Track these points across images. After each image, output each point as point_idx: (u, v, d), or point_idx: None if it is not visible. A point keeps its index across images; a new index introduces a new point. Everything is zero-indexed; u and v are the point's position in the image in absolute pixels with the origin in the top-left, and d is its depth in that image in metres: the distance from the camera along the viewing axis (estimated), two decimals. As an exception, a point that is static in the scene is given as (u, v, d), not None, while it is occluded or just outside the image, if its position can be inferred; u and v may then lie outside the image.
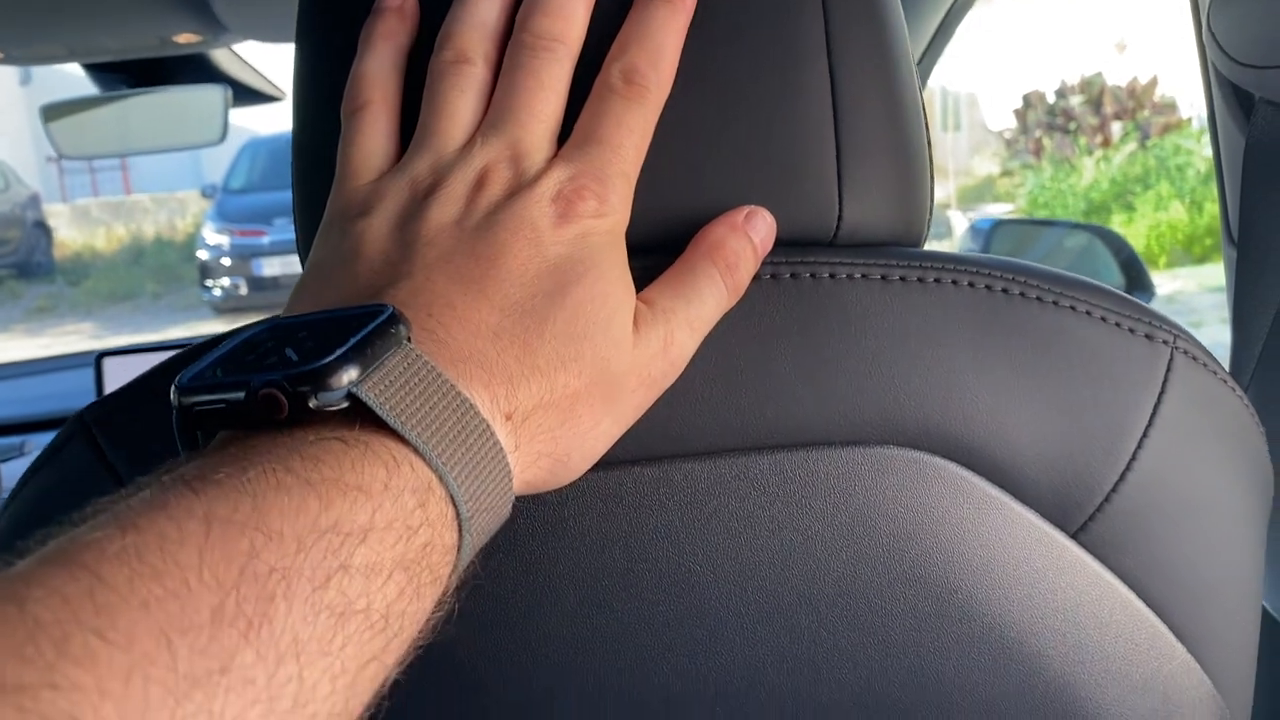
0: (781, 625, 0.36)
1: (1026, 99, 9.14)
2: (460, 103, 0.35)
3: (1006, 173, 9.33)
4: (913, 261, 0.36)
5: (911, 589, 0.36)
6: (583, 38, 0.35)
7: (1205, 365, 0.38)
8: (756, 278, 0.35)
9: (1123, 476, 0.36)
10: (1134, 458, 0.36)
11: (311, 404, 0.26)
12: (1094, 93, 8.61)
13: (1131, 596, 0.38)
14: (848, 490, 0.35)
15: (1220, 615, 0.40)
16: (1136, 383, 0.36)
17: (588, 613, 0.35)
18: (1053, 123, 8.87)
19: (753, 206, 0.36)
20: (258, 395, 0.26)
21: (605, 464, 0.34)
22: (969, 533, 0.35)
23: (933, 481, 0.35)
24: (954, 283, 0.36)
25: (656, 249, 0.35)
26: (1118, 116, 8.30)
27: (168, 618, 0.21)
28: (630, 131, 0.34)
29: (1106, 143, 8.09)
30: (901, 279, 0.36)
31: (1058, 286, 0.37)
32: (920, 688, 0.37)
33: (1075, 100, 8.70)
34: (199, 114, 1.10)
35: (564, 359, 0.31)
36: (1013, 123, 9.52)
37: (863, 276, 0.36)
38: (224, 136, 1.13)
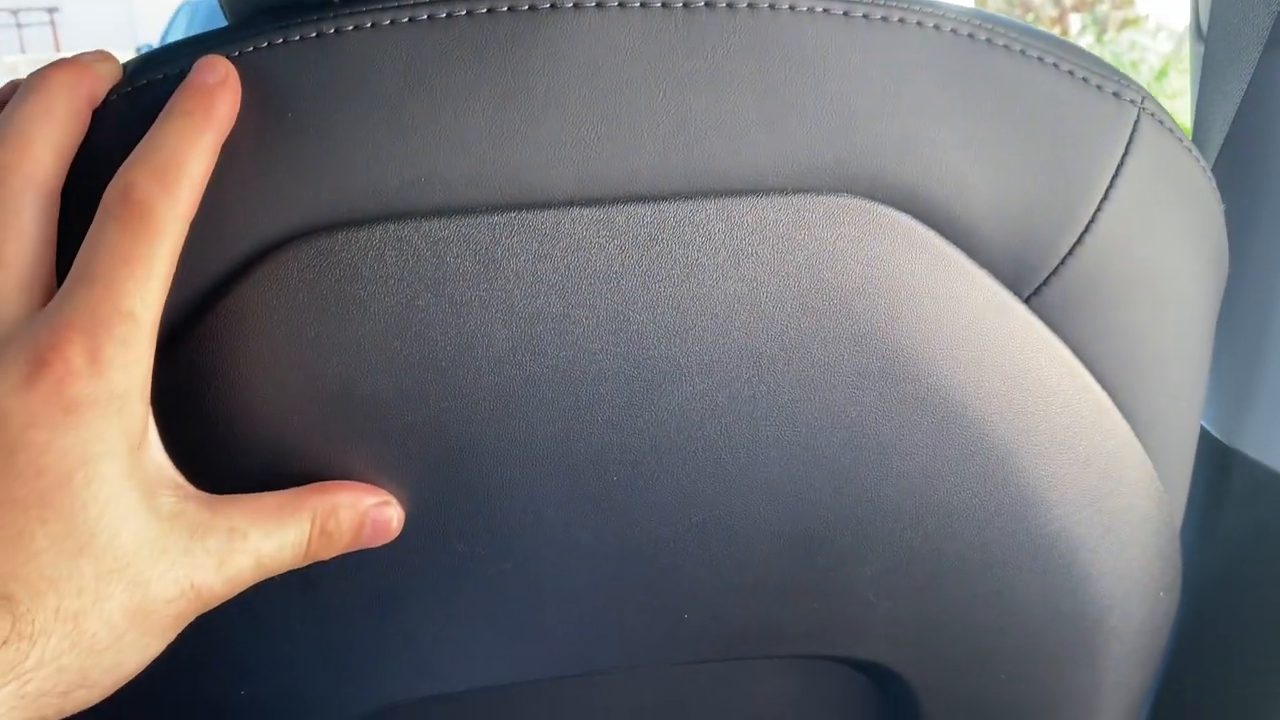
0: (721, 379, 0.34)
1: (987, -11, 9.01)
2: None
3: (963, 64, 9.24)
4: None
5: (857, 345, 0.34)
6: (54, 167, 0.30)
7: (1171, 131, 0.36)
8: (710, 6, 0.33)
9: (1080, 239, 0.35)
10: (1093, 219, 0.35)
11: None
12: (1055, -16, 8.50)
13: (1080, 368, 0.37)
14: (797, 239, 0.33)
15: (1165, 395, 0.39)
16: (1101, 140, 0.35)
17: (520, 359, 0.33)
18: (1011, 13, 8.77)
19: (384, 498, 0.34)
20: None
21: (542, 204, 0.32)
22: (920, 290, 0.34)
23: (885, 234, 0.34)
24: (919, 24, 0.34)
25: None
26: (1076, 9, 8.22)
27: None
28: (128, 262, 0.28)
29: (1064, 35, 8.03)
30: (865, 16, 0.33)
31: (1026, 36, 0.35)
32: (859, 448, 0.36)
33: (1036, -9, 8.59)
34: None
35: (55, 580, 0.26)
36: (972, 13, 9.40)
37: (824, 11, 0.33)
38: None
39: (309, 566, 0.34)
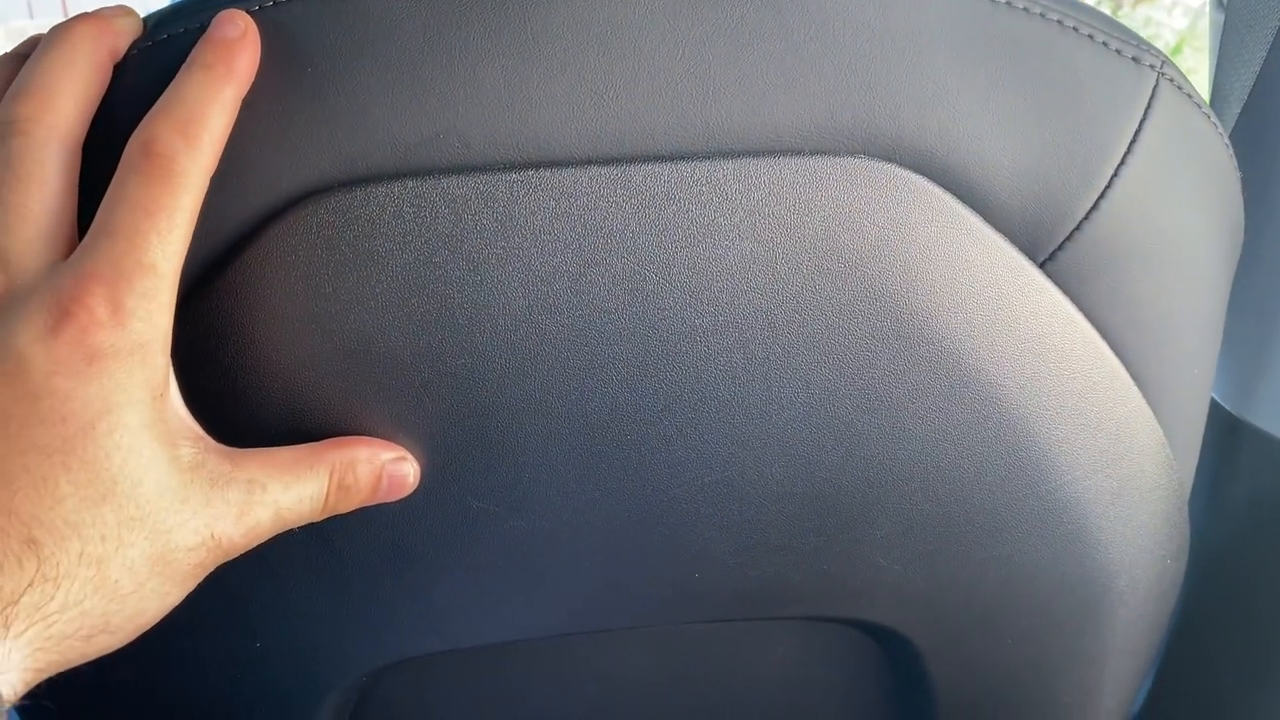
0: (735, 340, 0.34)
1: (1001, -37, 8.91)
2: None
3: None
4: None
5: (871, 307, 0.34)
6: (77, 120, 0.31)
7: (1190, 96, 0.36)
8: None
9: (1096, 204, 0.35)
10: (1109, 185, 0.35)
11: None
12: (1070, -41, 8.40)
13: (1093, 333, 0.37)
14: (813, 200, 0.33)
15: (1177, 362, 0.39)
16: (1120, 105, 0.35)
17: (536, 317, 0.33)
18: (1026, -11, 8.68)
19: (401, 453, 0.34)
20: None
21: (559, 162, 0.33)
22: (935, 252, 0.34)
23: (902, 196, 0.34)
24: None
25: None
26: (1092, -15, 8.14)
27: None
28: (150, 214, 0.28)
29: (1078, 11, 7.95)
30: None
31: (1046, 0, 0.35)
32: (872, 411, 0.36)
33: (1050, -33, 8.50)
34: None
35: (78, 525, 0.27)
36: (985, -12, 9.30)
37: None
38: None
39: (325, 521, 0.34)
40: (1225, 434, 0.55)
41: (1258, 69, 0.46)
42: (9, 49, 0.36)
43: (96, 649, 0.28)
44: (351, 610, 0.39)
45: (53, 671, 0.28)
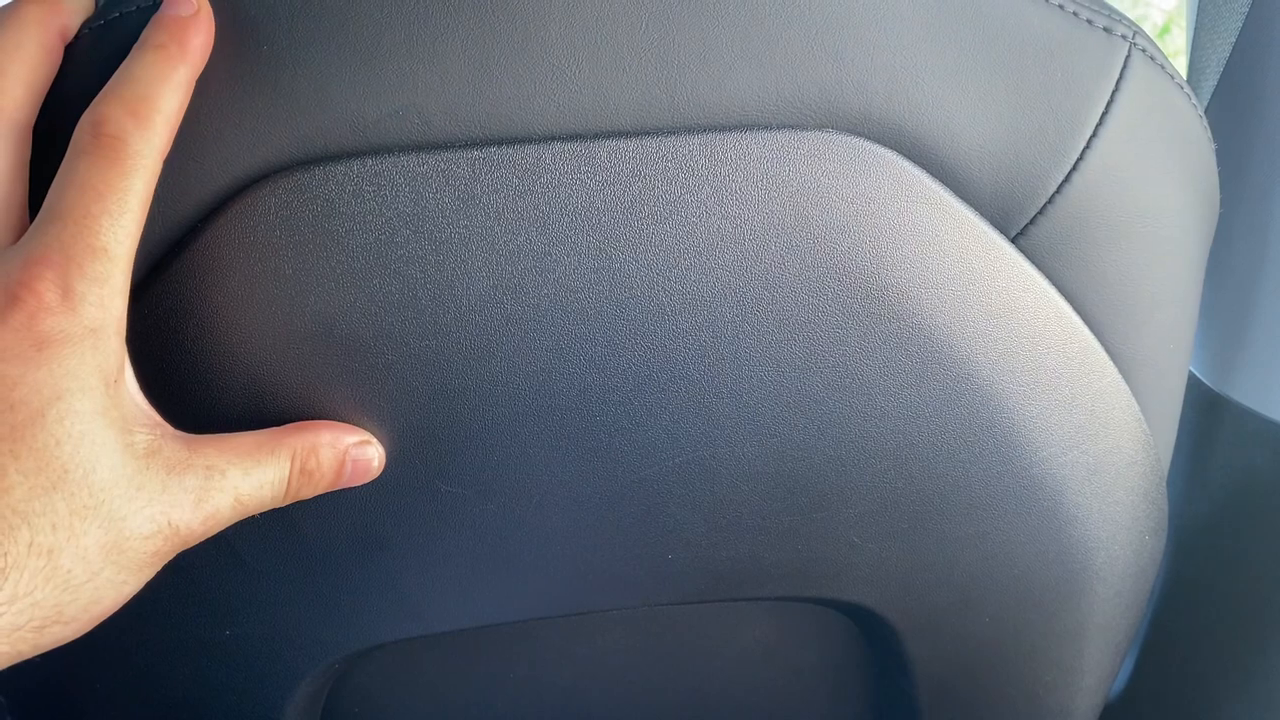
0: (704, 318, 0.34)
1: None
2: None
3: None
4: None
5: (841, 284, 0.34)
6: (26, 103, 0.30)
7: (1163, 67, 0.36)
8: None
9: (1068, 177, 0.35)
10: (1081, 157, 0.35)
11: None
12: (1058, -60, 8.38)
13: (1067, 308, 0.37)
14: (781, 175, 0.33)
15: (1153, 336, 0.39)
16: (1091, 76, 0.34)
17: (501, 297, 0.33)
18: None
19: (365, 437, 0.34)
20: None
21: (522, 139, 0.32)
22: (905, 227, 0.34)
23: (871, 171, 0.33)
24: None
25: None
26: (1080, -35, 8.12)
27: None
28: (101, 196, 0.28)
29: (1066, -9, 7.93)
30: None
31: None
32: (843, 388, 0.35)
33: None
34: None
35: (27, 515, 0.26)
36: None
37: None
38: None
39: (290, 507, 0.34)
40: (1205, 409, 0.54)
41: (1234, 40, 0.46)
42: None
43: (50, 640, 0.28)
44: (321, 596, 0.38)
45: (4, 664, 0.27)
